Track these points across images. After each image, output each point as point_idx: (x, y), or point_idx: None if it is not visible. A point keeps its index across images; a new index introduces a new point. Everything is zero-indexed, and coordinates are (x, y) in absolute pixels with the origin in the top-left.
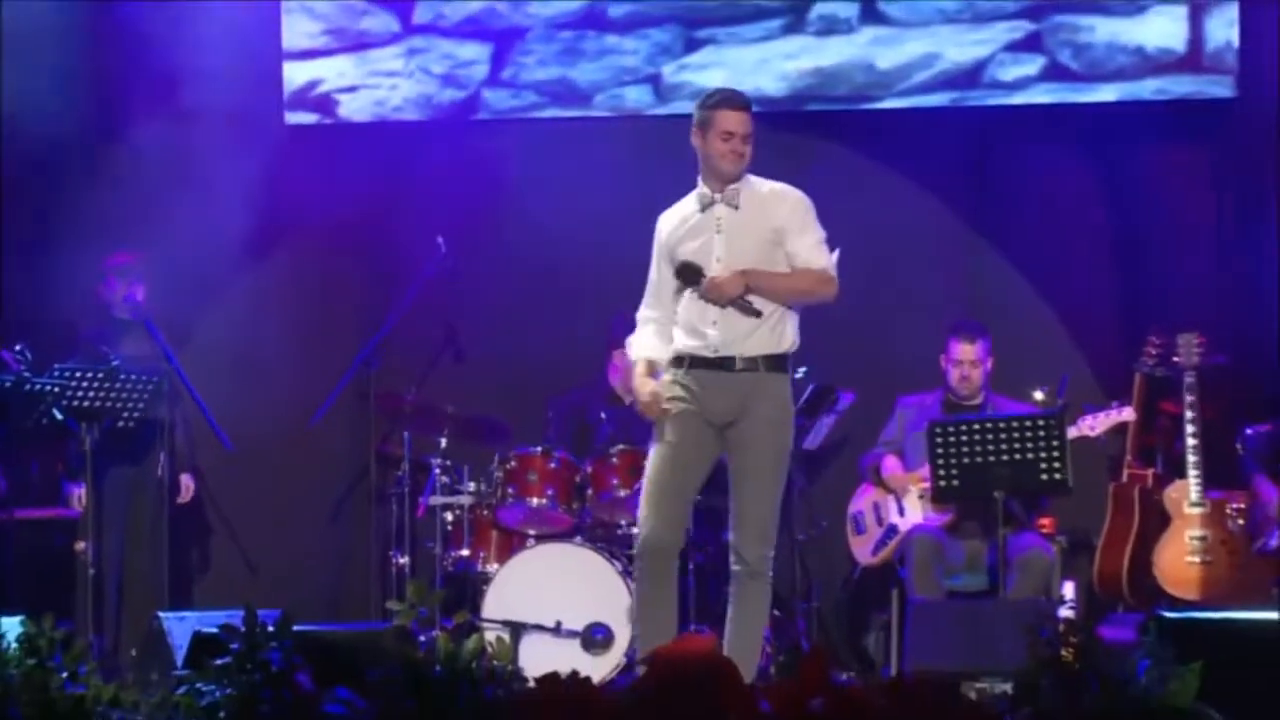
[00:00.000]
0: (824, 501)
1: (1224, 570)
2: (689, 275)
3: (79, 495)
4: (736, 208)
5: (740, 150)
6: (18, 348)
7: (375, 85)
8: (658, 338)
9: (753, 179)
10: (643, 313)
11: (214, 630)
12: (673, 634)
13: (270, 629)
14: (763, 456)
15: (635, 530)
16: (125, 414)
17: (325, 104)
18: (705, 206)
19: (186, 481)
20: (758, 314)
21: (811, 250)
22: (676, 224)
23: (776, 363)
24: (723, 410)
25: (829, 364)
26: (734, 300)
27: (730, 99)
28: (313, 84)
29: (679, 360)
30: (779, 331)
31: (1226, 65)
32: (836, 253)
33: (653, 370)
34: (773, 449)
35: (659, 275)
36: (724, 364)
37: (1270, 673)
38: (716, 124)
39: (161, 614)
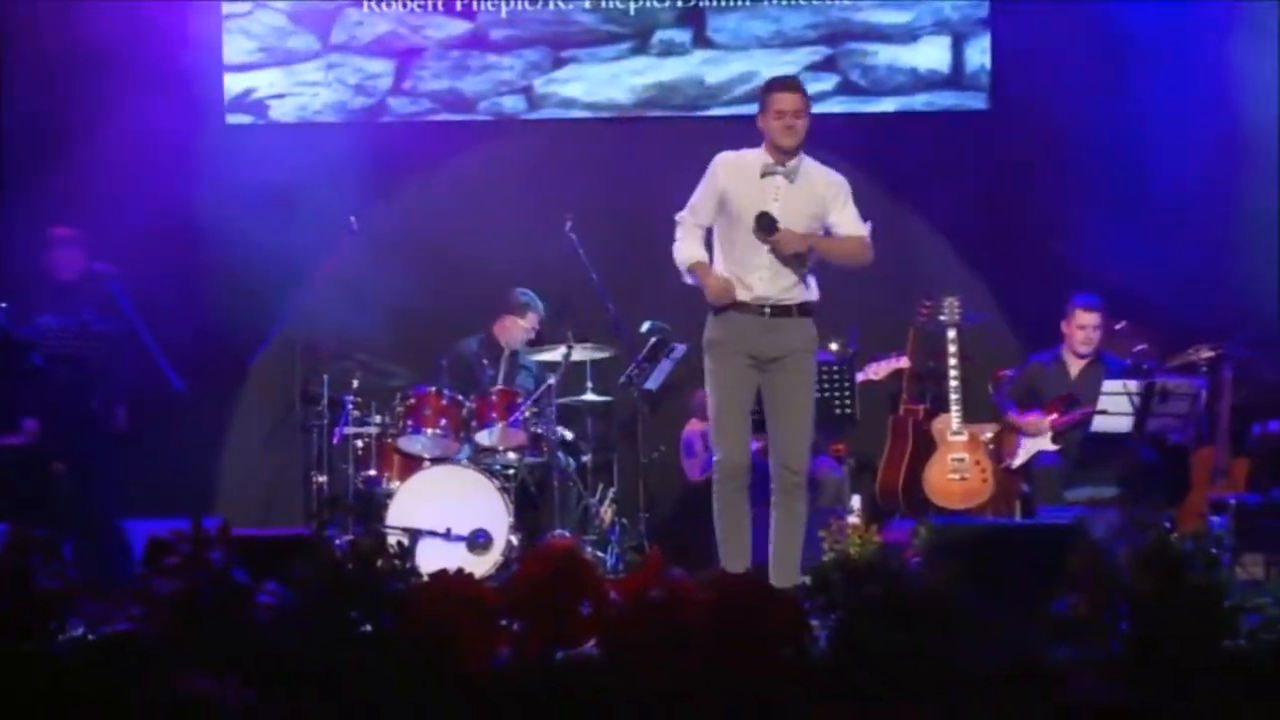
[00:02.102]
0: (661, 431)
1: (978, 485)
2: (766, 224)
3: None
4: (792, 181)
5: (792, 125)
6: (2, 305)
7: (299, 93)
8: (699, 244)
9: (807, 159)
10: (687, 221)
11: (166, 536)
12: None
13: (212, 534)
14: (801, 386)
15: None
16: (92, 359)
17: (258, 108)
18: (765, 174)
19: (119, 413)
20: (804, 269)
21: (853, 221)
22: (736, 174)
23: (807, 309)
24: (765, 349)
25: (669, 321)
26: (795, 256)
27: (781, 83)
28: (248, 91)
29: (722, 306)
30: (808, 285)
31: (981, 84)
32: (869, 225)
33: (705, 265)
34: (807, 378)
35: (703, 200)
36: (766, 310)
37: (1013, 564)
38: (771, 105)
39: (123, 522)
